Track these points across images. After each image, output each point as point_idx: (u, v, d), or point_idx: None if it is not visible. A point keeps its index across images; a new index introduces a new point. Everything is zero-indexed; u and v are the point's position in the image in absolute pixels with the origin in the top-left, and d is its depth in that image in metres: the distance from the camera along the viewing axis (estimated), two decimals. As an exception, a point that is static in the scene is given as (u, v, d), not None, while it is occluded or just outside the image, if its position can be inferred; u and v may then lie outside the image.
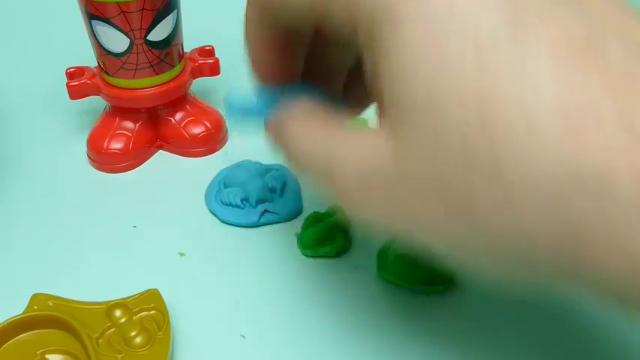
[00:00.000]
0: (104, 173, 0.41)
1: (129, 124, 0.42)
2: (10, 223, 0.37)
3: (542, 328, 0.32)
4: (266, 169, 0.39)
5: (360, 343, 0.31)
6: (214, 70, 0.43)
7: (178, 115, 0.42)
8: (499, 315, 0.32)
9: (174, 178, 0.41)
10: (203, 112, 0.43)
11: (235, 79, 0.47)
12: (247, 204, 0.37)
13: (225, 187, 0.38)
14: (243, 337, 0.31)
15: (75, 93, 0.41)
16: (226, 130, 0.44)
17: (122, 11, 0.36)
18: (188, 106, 0.43)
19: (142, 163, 0.42)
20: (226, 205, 0.37)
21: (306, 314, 0.32)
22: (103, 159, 0.41)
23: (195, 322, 0.32)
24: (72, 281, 0.34)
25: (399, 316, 0.32)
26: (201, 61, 0.43)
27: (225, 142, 0.44)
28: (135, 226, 0.37)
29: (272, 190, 0.38)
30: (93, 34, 0.38)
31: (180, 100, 0.42)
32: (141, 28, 0.37)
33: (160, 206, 0.39)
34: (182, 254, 0.35)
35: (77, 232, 0.37)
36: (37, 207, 0.39)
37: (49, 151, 0.44)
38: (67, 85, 0.40)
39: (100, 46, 0.38)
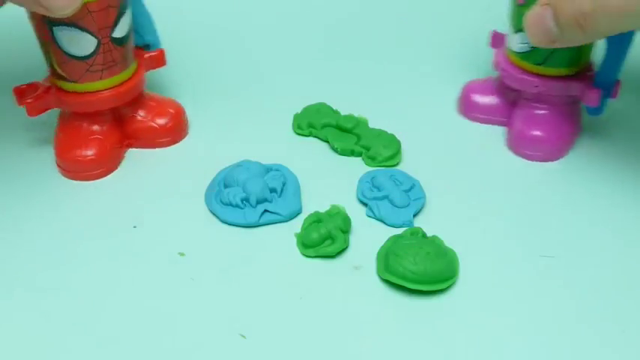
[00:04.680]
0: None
1: (98, 128, 0.41)
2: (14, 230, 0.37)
3: (540, 330, 0.32)
4: (266, 169, 0.39)
5: (360, 343, 0.31)
6: (160, 61, 0.43)
7: (142, 110, 0.42)
8: (497, 318, 0.32)
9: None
10: (162, 102, 0.44)
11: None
12: (247, 204, 0.37)
13: (225, 187, 0.38)
14: (243, 337, 0.31)
15: (33, 110, 0.39)
16: (188, 118, 0.44)
17: (89, 11, 0.36)
18: (147, 100, 0.43)
19: (116, 167, 0.41)
20: (226, 205, 0.37)
21: (306, 314, 0.32)
22: (77, 167, 0.40)
23: (196, 322, 0.32)
24: (73, 282, 0.34)
25: (399, 316, 0.32)
26: (147, 55, 0.42)
27: (188, 130, 0.45)
28: (135, 226, 0.37)
29: (272, 190, 0.38)
30: (53, 42, 0.37)
31: (139, 95, 0.42)
32: (107, 26, 0.37)
33: (160, 206, 0.39)
34: (182, 254, 0.35)
35: (77, 233, 0.37)
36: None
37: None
38: (24, 103, 0.38)
39: (63, 52, 0.37)
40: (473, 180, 0.41)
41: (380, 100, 0.48)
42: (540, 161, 0.42)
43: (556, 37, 0.35)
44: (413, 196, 0.38)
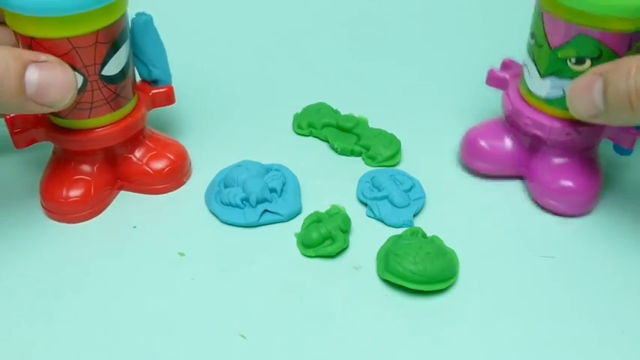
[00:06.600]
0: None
1: (86, 168, 0.37)
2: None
3: (540, 330, 0.32)
4: (266, 169, 0.39)
5: (360, 343, 0.31)
6: (169, 98, 0.40)
7: (138, 151, 0.39)
8: (497, 318, 0.32)
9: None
10: (164, 144, 0.40)
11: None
12: (247, 204, 0.37)
13: (225, 187, 0.38)
14: (243, 337, 0.31)
15: (20, 141, 0.36)
16: (190, 162, 0.41)
17: (73, 47, 0.33)
18: (147, 141, 0.39)
19: (104, 209, 0.38)
20: (226, 205, 0.37)
21: (306, 314, 0.32)
22: (61, 209, 0.37)
23: (196, 322, 0.32)
24: (73, 282, 0.34)
25: (399, 316, 0.32)
26: (154, 91, 0.39)
27: (190, 175, 0.41)
28: (135, 227, 0.37)
29: (272, 190, 0.38)
30: None
31: (137, 134, 0.39)
32: (95, 64, 0.34)
33: (160, 206, 0.39)
34: (182, 254, 0.35)
35: (77, 237, 0.37)
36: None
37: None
38: (11, 133, 0.36)
39: None
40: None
41: (380, 100, 0.48)
42: (570, 215, 0.38)
43: (600, 113, 0.32)
44: (413, 196, 0.38)
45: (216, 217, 0.38)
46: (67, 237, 0.36)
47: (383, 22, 0.59)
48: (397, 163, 0.42)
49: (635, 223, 0.38)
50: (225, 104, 0.48)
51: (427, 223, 0.37)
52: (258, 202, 0.37)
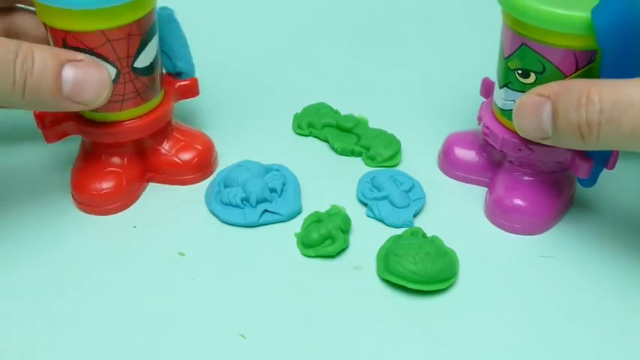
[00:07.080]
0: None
1: (117, 160, 0.38)
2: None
3: (540, 331, 0.32)
4: (266, 169, 0.39)
5: (360, 343, 0.31)
6: (193, 90, 0.41)
7: (167, 143, 0.40)
8: (497, 318, 0.32)
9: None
10: (191, 135, 0.41)
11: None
12: (247, 204, 0.37)
13: (225, 187, 0.38)
14: (243, 337, 0.31)
15: (51, 135, 0.37)
16: (217, 153, 0.42)
17: (108, 39, 0.33)
18: (175, 133, 0.40)
19: (134, 201, 0.39)
20: (226, 205, 0.37)
21: (306, 314, 0.32)
22: (94, 201, 0.38)
23: (196, 322, 0.32)
24: (73, 282, 0.34)
25: (399, 316, 0.32)
26: (179, 84, 0.40)
27: (217, 165, 0.41)
28: (135, 227, 0.37)
29: (272, 190, 0.38)
30: None
31: (165, 127, 0.39)
32: (128, 56, 0.35)
33: (160, 206, 0.39)
34: (182, 254, 0.35)
35: (78, 235, 0.37)
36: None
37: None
38: (40, 128, 0.36)
39: None
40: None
41: (380, 100, 0.48)
42: (518, 234, 0.37)
43: (548, 136, 0.31)
44: (413, 196, 0.38)
45: (217, 217, 0.38)
46: (68, 236, 0.37)
47: (383, 22, 0.59)
48: (397, 164, 0.42)
49: (636, 223, 0.38)
50: (226, 104, 0.48)
51: (427, 223, 0.37)
52: (258, 202, 0.37)
